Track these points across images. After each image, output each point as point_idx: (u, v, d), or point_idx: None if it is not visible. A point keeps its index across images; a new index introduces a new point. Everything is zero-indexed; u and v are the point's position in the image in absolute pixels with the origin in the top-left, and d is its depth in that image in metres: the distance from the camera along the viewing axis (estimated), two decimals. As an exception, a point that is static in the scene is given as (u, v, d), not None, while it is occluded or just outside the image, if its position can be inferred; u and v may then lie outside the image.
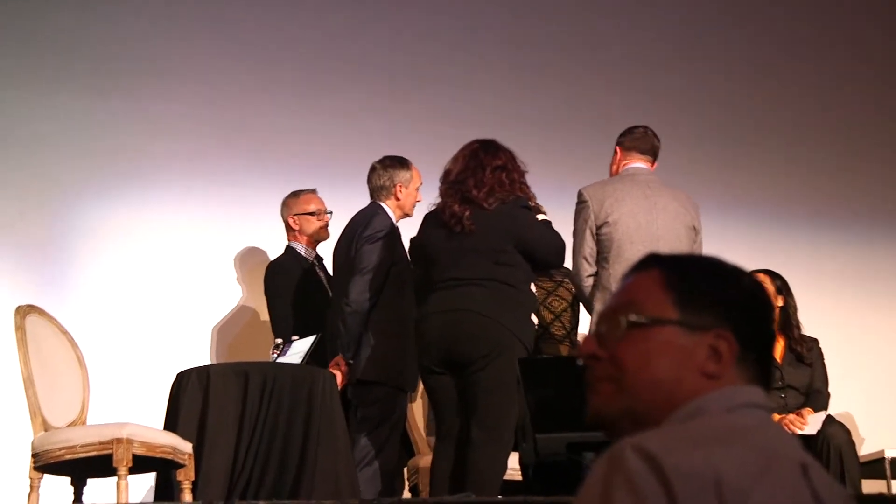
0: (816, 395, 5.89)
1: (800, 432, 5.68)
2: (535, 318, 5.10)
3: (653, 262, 1.66)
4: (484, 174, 5.09)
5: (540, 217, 5.22)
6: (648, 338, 1.59)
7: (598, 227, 5.26)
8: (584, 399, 4.05)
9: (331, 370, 5.39)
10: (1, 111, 6.67)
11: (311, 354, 5.40)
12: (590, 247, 5.28)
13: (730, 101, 7.83)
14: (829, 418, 5.82)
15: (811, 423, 5.72)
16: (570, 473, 4.03)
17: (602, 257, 5.28)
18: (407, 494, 5.87)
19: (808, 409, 5.81)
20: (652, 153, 5.49)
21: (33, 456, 4.88)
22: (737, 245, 6.74)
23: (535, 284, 5.91)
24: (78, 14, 6.89)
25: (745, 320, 1.60)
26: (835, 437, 5.61)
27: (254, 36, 7.18)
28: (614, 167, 5.54)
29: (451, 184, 5.15)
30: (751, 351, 1.60)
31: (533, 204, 5.22)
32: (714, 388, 1.56)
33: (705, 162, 7.61)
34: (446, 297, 5.02)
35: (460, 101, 7.41)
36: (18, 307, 5.13)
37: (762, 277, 6.03)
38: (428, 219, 5.27)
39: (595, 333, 1.64)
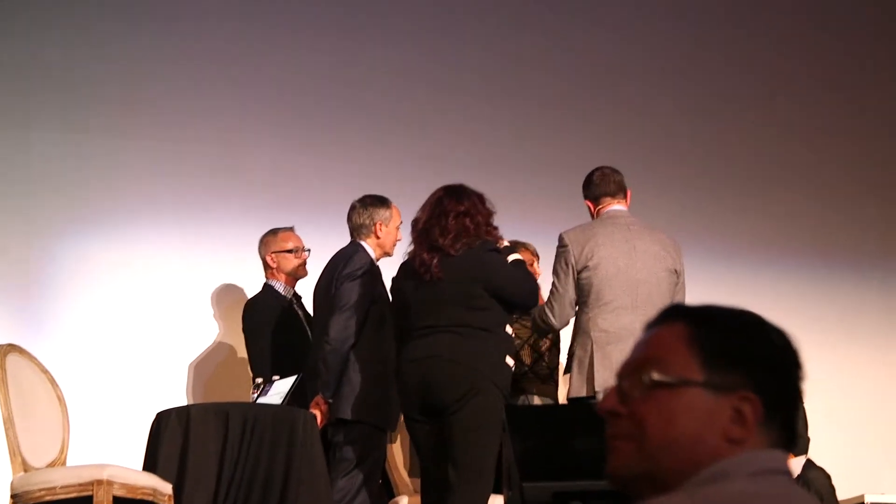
0: (796, 440, 5.92)
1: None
2: (510, 361, 5.15)
3: (677, 314, 1.59)
4: (447, 221, 5.18)
5: (512, 257, 5.29)
6: (672, 398, 1.53)
7: (579, 272, 5.30)
8: (571, 448, 4.06)
9: (311, 410, 5.39)
10: (-19, 150, 6.67)
11: (292, 394, 5.41)
12: (571, 291, 5.31)
13: (713, 143, 7.89)
14: (809, 463, 5.85)
15: (791, 468, 5.75)
16: (557, 522, 4.06)
17: (581, 301, 5.32)
18: (386, 535, 5.89)
19: (789, 453, 5.84)
20: (620, 190, 5.51)
21: (12, 497, 4.88)
22: (717, 286, 6.80)
23: (520, 323, 5.99)
24: (60, 52, 6.88)
25: (772, 381, 1.55)
26: (815, 482, 5.65)
27: (235, 75, 7.18)
28: (593, 214, 5.56)
29: (420, 232, 5.26)
30: (775, 413, 1.54)
31: (502, 245, 5.30)
32: (736, 453, 1.51)
33: (687, 204, 7.66)
34: (420, 345, 5.13)
35: (445, 142, 7.44)
36: (-1, 346, 5.13)
37: None
38: (402, 268, 5.37)
39: (616, 388, 1.58)
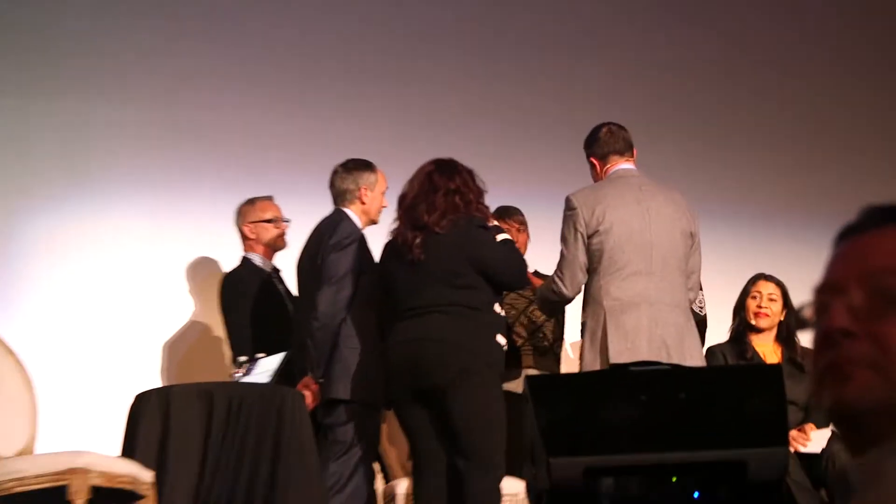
0: (818, 410, 5.80)
1: (803, 450, 5.59)
2: (502, 340, 5.07)
3: None
4: (436, 198, 5.13)
5: (500, 237, 5.21)
6: None
7: (589, 236, 5.14)
8: (601, 419, 3.86)
9: (300, 390, 5.25)
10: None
11: (280, 373, 5.29)
12: (582, 256, 5.15)
13: (720, 94, 7.81)
14: (834, 435, 5.72)
15: (814, 441, 5.64)
16: (587, 502, 3.87)
17: (592, 268, 5.15)
18: (382, 522, 5.74)
19: (811, 424, 5.72)
20: (628, 148, 5.36)
21: (-20, 489, 4.62)
22: (727, 249, 6.69)
23: (516, 293, 5.95)
24: (23, 13, 6.64)
25: None
26: (839, 455, 5.52)
27: (204, 34, 6.99)
28: (597, 175, 5.39)
29: (406, 209, 5.20)
30: None
31: (491, 224, 5.24)
32: None
33: (694, 159, 7.57)
34: (408, 327, 5.08)
35: (434, 105, 7.32)
36: (-37, 326, 4.89)
37: (764, 284, 5.93)
38: (387, 247, 5.31)
39: (842, 302, 1.39)
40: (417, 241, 5.10)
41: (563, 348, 6.22)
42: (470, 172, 5.23)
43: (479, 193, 5.21)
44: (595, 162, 5.38)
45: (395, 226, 5.25)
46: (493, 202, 6.04)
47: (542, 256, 5.96)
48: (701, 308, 6.07)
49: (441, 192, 5.12)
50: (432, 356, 4.97)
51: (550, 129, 7.29)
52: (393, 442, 6.02)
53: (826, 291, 1.41)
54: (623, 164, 5.32)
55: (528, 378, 4.36)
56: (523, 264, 5.25)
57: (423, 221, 5.10)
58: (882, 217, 1.42)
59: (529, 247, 6.26)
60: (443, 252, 5.06)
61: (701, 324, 6.02)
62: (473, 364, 4.94)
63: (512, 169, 7.02)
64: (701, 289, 5.98)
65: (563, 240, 5.23)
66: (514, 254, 5.20)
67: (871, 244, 1.41)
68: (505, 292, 5.62)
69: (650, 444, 3.92)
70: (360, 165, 5.69)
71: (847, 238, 1.44)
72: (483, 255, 5.06)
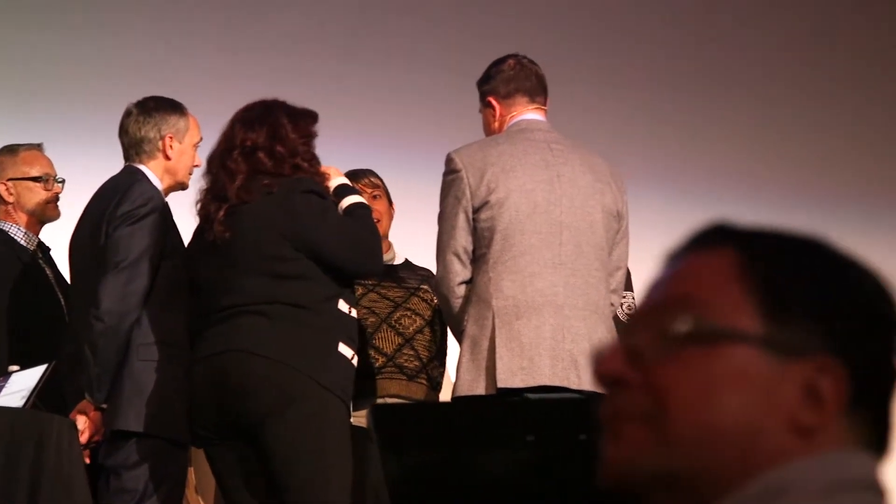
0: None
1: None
2: (346, 350, 5.16)
3: (724, 236, 1.52)
4: (231, 159, 5.27)
5: (349, 201, 5.35)
6: (713, 359, 1.45)
7: (476, 210, 5.22)
8: (470, 465, 3.95)
9: (72, 418, 5.29)
10: None
11: (40, 393, 5.26)
12: (464, 238, 5.24)
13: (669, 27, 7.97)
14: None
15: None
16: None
17: (479, 254, 5.24)
18: None
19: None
20: (541, 92, 5.48)
21: None
22: (667, 236, 6.81)
23: (377, 293, 6.04)
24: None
25: (864, 345, 1.47)
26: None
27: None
28: (495, 125, 5.49)
29: (207, 174, 5.37)
30: (866, 395, 1.46)
31: (330, 183, 5.39)
32: (807, 452, 1.43)
33: (628, 113, 7.67)
34: (215, 334, 5.20)
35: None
36: None
37: None
38: (197, 228, 5.45)
39: (624, 346, 1.50)
40: (220, 214, 5.20)
41: (445, 371, 6.29)
42: (294, 114, 5.35)
43: (300, 143, 5.32)
44: (494, 103, 5.46)
45: (200, 196, 5.35)
46: (357, 163, 6.13)
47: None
48: (629, 317, 6.18)
49: (236, 151, 5.26)
50: (242, 376, 5.05)
51: (445, 63, 7.39)
52: (204, 491, 6.13)
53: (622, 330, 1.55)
54: (529, 114, 5.41)
55: (374, 408, 4.45)
56: (373, 240, 5.31)
57: (225, 190, 5.21)
58: (708, 236, 1.54)
59: (410, 228, 6.42)
60: (254, 229, 5.18)
61: None
62: (301, 386, 5.01)
63: (391, 117, 7.12)
64: (631, 289, 6.06)
65: (441, 215, 5.33)
66: (360, 223, 5.29)
67: (679, 270, 1.53)
68: (359, 290, 5.77)
69: (535, 504, 4.00)
70: (163, 106, 5.76)
71: (667, 263, 1.55)
72: (308, 232, 5.16)
